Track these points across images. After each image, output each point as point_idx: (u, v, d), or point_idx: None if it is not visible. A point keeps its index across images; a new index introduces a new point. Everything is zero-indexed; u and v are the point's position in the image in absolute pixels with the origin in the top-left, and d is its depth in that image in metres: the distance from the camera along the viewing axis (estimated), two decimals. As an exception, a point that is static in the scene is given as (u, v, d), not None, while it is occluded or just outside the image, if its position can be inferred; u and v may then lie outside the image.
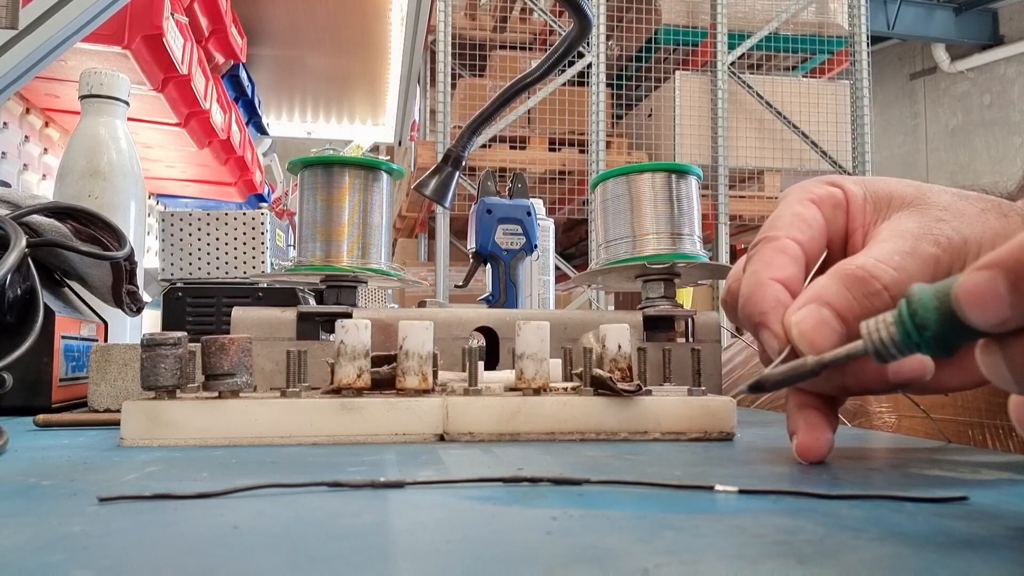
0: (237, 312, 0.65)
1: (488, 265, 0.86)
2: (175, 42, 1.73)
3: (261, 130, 3.52)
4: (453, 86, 3.40)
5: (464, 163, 0.78)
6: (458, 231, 3.31)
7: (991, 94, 7.17)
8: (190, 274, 1.11)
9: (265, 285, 0.97)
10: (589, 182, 3.05)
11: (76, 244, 0.66)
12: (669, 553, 0.20)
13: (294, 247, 0.81)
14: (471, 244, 0.87)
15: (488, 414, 0.42)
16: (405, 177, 2.07)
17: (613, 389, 0.42)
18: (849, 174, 3.49)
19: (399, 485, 0.28)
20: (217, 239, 1.12)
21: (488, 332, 0.68)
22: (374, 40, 3.43)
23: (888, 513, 0.24)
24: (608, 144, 3.40)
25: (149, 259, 1.90)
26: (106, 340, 0.75)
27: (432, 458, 0.36)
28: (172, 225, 1.11)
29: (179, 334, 0.41)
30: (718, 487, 0.28)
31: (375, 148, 4.53)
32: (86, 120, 1.06)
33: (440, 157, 0.80)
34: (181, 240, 1.11)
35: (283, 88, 3.90)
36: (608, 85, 3.50)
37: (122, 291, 0.70)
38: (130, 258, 0.70)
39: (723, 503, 0.26)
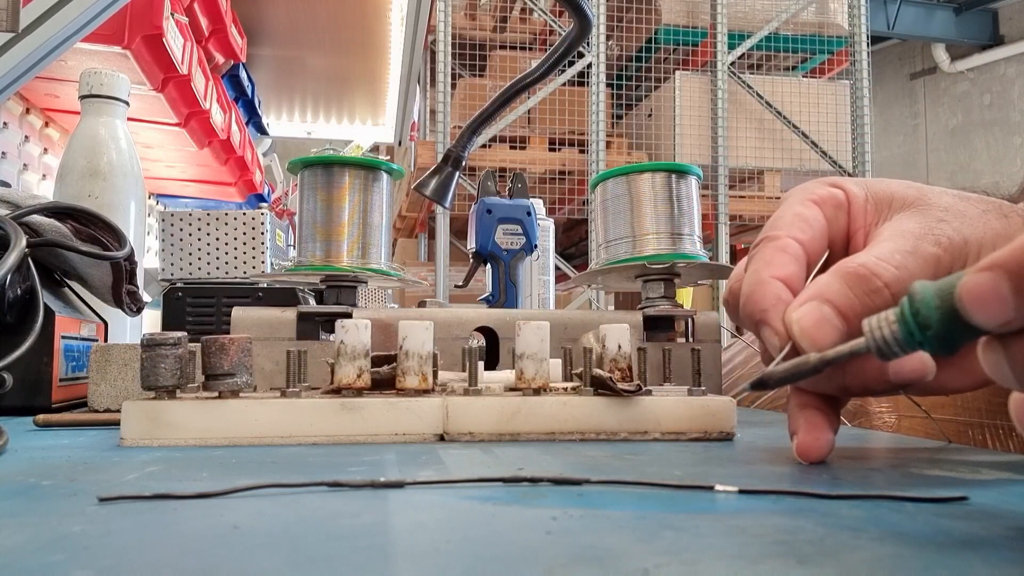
0: (237, 312, 0.65)
1: (488, 265, 0.86)
2: (175, 42, 1.73)
3: (261, 130, 3.52)
4: (453, 86, 3.40)
5: (464, 163, 0.78)
6: (458, 231, 3.31)
7: (991, 94, 7.17)
8: (190, 274, 1.11)
9: (265, 285, 0.97)
10: (589, 182, 3.05)
11: (76, 244, 0.66)
12: (669, 553, 0.20)
13: (294, 247, 0.81)
14: (471, 244, 0.87)
15: (488, 414, 0.42)
16: (405, 177, 2.07)
17: (613, 389, 0.42)
18: (849, 174, 3.49)
19: (399, 485, 0.28)
20: (217, 239, 1.12)
21: (488, 332, 0.68)
22: (374, 40, 3.43)
23: (888, 513, 0.24)
24: (608, 144, 3.40)
25: (149, 259, 1.90)
26: (106, 340, 0.75)
27: (432, 458, 0.36)
28: (172, 225, 1.11)
29: (179, 334, 0.41)
30: (718, 487, 0.28)
31: (375, 148, 4.53)
32: (86, 120, 1.06)
33: (440, 157, 0.80)
34: (181, 240, 1.11)
35: (283, 88, 3.89)
36: (608, 85, 3.50)
37: (122, 291, 0.70)
38: (130, 258, 0.70)
39: (723, 503, 0.26)
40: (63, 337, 0.62)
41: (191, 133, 2.18)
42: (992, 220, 0.37)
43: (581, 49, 3.28)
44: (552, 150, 3.47)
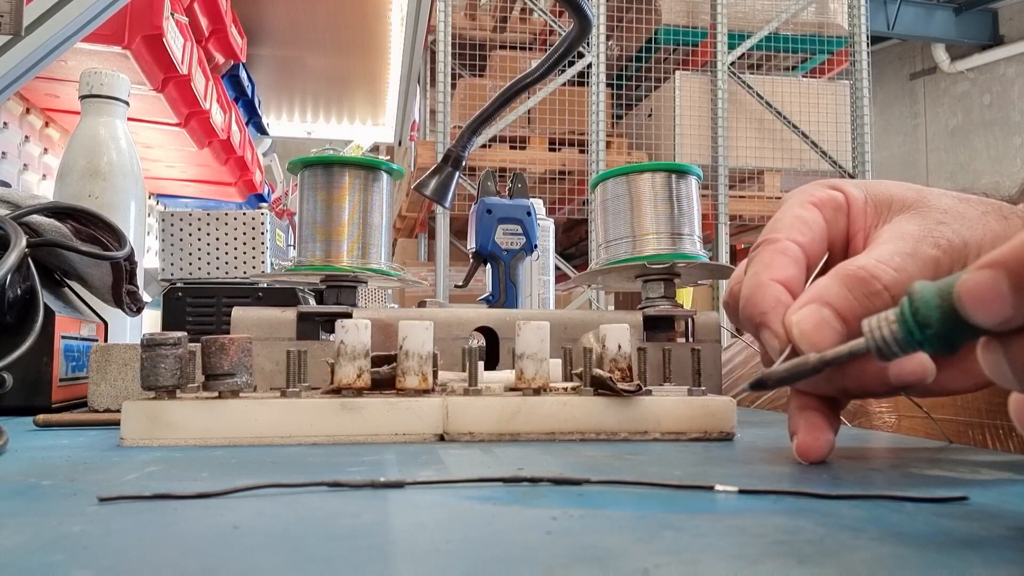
0: (237, 312, 0.65)
1: (488, 265, 0.86)
2: (175, 42, 1.74)
3: (261, 130, 3.52)
4: (453, 86, 3.40)
5: (464, 163, 0.78)
6: (458, 231, 3.31)
7: (991, 94, 7.17)
8: (190, 274, 1.11)
9: (265, 285, 0.97)
10: (589, 182, 3.05)
11: (76, 244, 0.66)
12: (669, 553, 0.20)
13: (294, 247, 0.81)
14: (471, 244, 0.87)
15: (488, 414, 0.42)
16: (405, 177, 2.07)
17: (613, 389, 0.42)
18: (849, 174, 3.49)
19: (399, 485, 0.28)
20: (217, 239, 1.12)
21: (488, 332, 0.68)
22: (374, 40, 3.43)
23: (888, 513, 0.24)
24: (608, 144, 3.40)
25: (149, 259, 1.90)
26: (106, 340, 0.75)
27: (432, 458, 0.36)
28: (172, 225, 1.11)
29: (179, 334, 0.41)
30: (718, 487, 0.28)
31: (375, 148, 4.53)
32: (86, 120, 1.06)
33: (440, 157, 0.80)
34: (181, 240, 1.11)
35: (283, 88, 3.90)
36: (608, 85, 3.50)
37: (122, 291, 0.70)
38: (130, 258, 0.70)
39: (723, 503, 0.26)
40: (63, 337, 0.62)
41: (191, 133, 2.18)
42: (991, 222, 0.37)
43: (581, 49, 3.28)
44: (552, 150, 3.47)
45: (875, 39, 4.89)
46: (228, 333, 0.49)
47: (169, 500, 0.26)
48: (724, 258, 3.32)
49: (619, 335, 0.44)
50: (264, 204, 3.30)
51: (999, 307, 0.22)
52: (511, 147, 3.41)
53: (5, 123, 1.78)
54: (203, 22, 2.24)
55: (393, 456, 0.37)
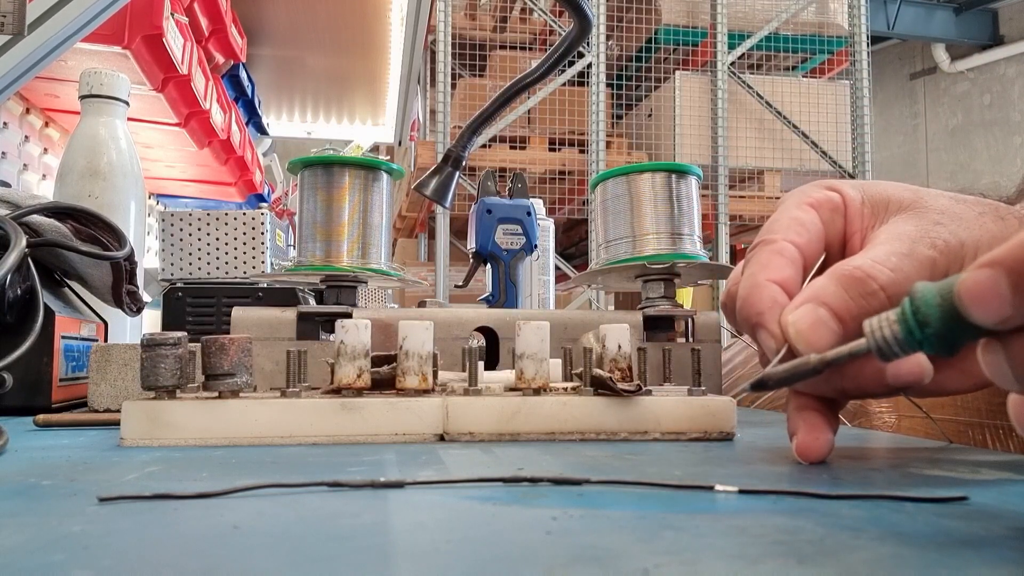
0: (237, 312, 0.65)
1: (488, 265, 0.86)
2: (175, 42, 1.74)
3: (261, 130, 3.52)
4: (453, 86, 3.40)
5: (464, 163, 0.78)
6: (458, 231, 3.31)
7: (991, 94, 7.17)
8: (190, 274, 1.11)
9: (265, 285, 0.97)
10: (589, 182, 3.05)
11: (76, 244, 0.66)
12: (669, 553, 0.20)
13: (294, 247, 0.81)
14: (471, 244, 0.87)
15: (488, 414, 0.42)
16: (405, 177, 2.07)
17: (613, 389, 0.42)
18: (849, 174, 3.49)
19: (399, 485, 0.28)
20: (217, 239, 1.12)
21: (488, 332, 0.68)
22: (374, 40, 3.43)
23: (888, 513, 0.24)
24: (608, 144, 3.39)
25: (149, 259, 1.90)
26: (106, 340, 0.75)
27: (432, 458, 0.36)
28: (172, 225, 1.11)
29: (179, 334, 0.41)
30: (718, 487, 0.28)
31: (375, 148, 4.53)
32: (86, 120, 1.06)
33: (440, 157, 0.80)
34: (181, 240, 1.11)
35: (283, 88, 3.90)
36: (608, 85, 3.50)
37: (122, 291, 0.70)
38: (130, 258, 0.70)
39: (723, 503, 0.26)
40: (63, 337, 0.62)
41: (191, 133, 2.18)
42: (988, 222, 0.37)
43: (581, 49, 3.28)
44: (552, 150, 3.47)
45: (875, 39, 4.89)
46: (228, 333, 0.49)
47: (169, 500, 0.26)
48: (724, 258, 3.32)
49: (619, 335, 0.44)
50: (264, 204, 3.30)
51: (998, 306, 0.22)
52: (511, 147, 3.41)
53: (5, 123, 1.78)
54: (203, 22, 2.24)
55: (393, 456, 0.37)
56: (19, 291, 0.58)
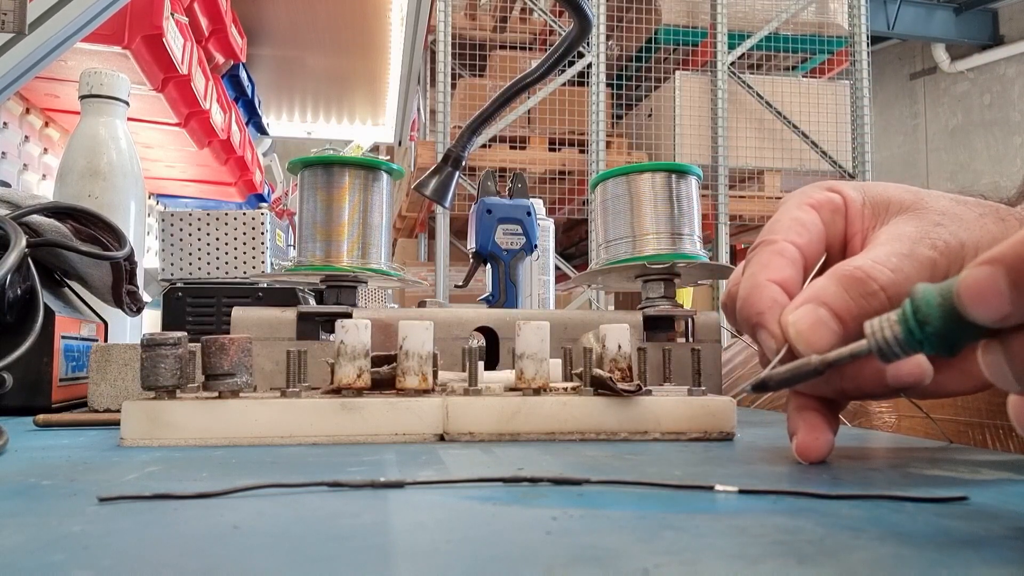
0: (237, 312, 0.65)
1: (488, 265, 0.86)
2: (175, 42, 1.73)
3: (261, 130, 3.52)
4: (453, 86, 3.40)
5: (464, 163, 0.78)
6: (458, 231, 3.31)
7: (991, 94, 7.17)
8: (190, 274, 1.11)
9: (265, 285, 0.97)
10: (589, 182, 3.05)
11: (76, 244, 0.66)
12: (669, 553, 0.20)
13: (294, 247, 0.81)
14: (471, 244, 0.87)
15: (488, 414, 0.42)
16: (405, 177, 2.07)
17: (613, 389, 0.42)
18: (849, 174, 3.49)
19: (399, 485, 0.28)
20: (217, 239, 1.12)
21: (488, 332, 0.68)
22: (374, 40, 3.43)
23: (888, 513, 0.24)
24: (608, 144, 3.39)
25: (149, 259, 1.90)
26: (106, 340, 0.75)
27: (432, 458, 0.36)
28: (172, 225, 1.11)
29: (179, 334, 0.41)
30: (718, 487, 0.28)
31: (375, 148, 4.53)
32: (86, 120, 1.06)
33: (440, 157, 0.80)
34: (181, 240, 1.11)
35: (283, 88, 3.90)
36: (608, 85, 3.50)
37: (122, 291, 0.70)
38: (130, 258, 0.70)
39: (723, 503, 0.26)
40: (63, 337, 0.62)
41: (191, 133, 2.18)
42: (989, 223, 0.37)
43: (581, 49, 3.28)
44: (552, 150, 3.46)
45: (875, 39, 4.89)
46: (228, 333, 0.49)
47: (169, 500, 0.26)
48: (724, 258, 3.32)
49: (619, 335, 0.44)
50: (264, 204, 3.30)
51: (997, 304, 0.22)
52: (511, 147, 3.41)
53: (5, 123, 1.78)
54: (203, 22, 2.24)
55: (393, 456, 0.37)
56: (19, 291, 0.58)
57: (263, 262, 1.12)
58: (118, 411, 0.41)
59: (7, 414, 0.57)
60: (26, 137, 1.88)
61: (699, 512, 0.25)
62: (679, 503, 0.26)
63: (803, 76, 3.83)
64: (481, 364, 0.49)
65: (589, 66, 3.35)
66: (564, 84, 3.37)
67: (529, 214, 0.85)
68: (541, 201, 1.06)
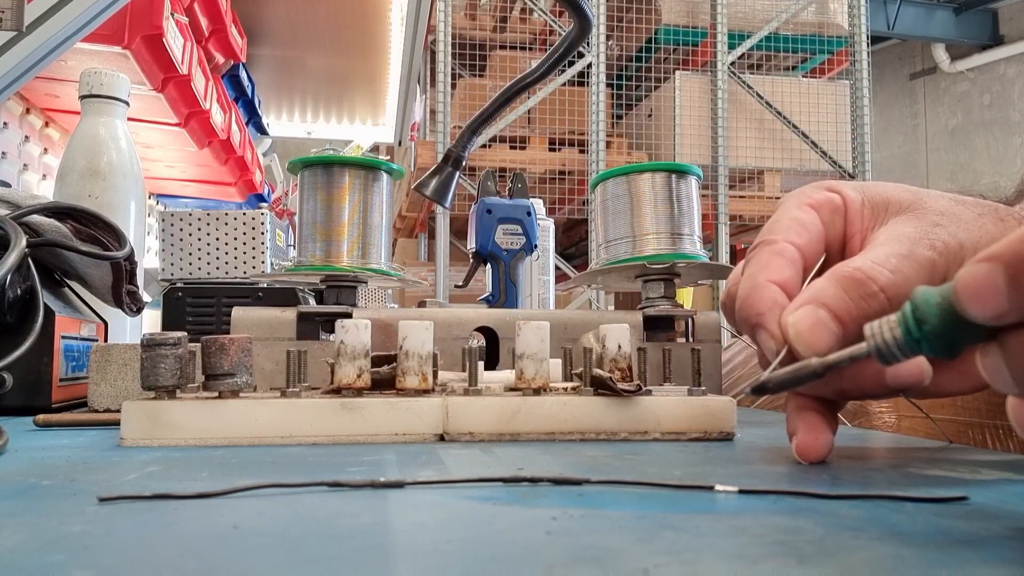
0: (237, 312, 0.65)
1: (488, 265, 0.86)
2: (175, 42, 1.74)
3: (261, 130, 3.52)
4: (453, 86, 3.40)
5: (464, 163, 0.78)
6: (458, 231, 3.31)
7: (991, 94, 7.17)
8: (190, 274, 1.11)
9: (265, 285, 0.97)
10: (589, 182, 3.05)
11: (76, 244, 0.66)
12: (669, 553, 0.20)
13: (294, 247, 0.81)
14: (471, 244, 0.87)
15: (488, 414, 0.42)
16: (405, 177, 2.07)
17: (613, 389, 0.42)
18: (849, 174, 3.49)
19: (399, 485, 0.28)
20: (217, 239, 1.12)
21: (488, 332, 0.68)
22: (374, 40, 3.43)
23: (888, 513, 0.24)
24: (608, 144, 3.39)
25: (149, 259, 1.90)
26: (106, 340, 0.75)
27: (432, 458, 0.36)
28: (172, 225, 1.11)
29: (179, 334, 0.41)
30: (718, 487, 0.28)
31: (375, 148, 4.54)
32: (86, 120, 1.06)
33: (440, 157, 0.80)
34: (181, 240, 1.11)
35: (283, 88, 3.90)
36: (608, 85, 3.50)
37: (122, 291, 0.70)
38: (130, 258, 0.70)
39: (723, 503, 0.26)
40: (63, 337, 0.62)
41: (191, 133, 2.18)
42: (988, 224, 0.37)
43: (581, 49, 3.27)
44: (552, 150, 3.46)
45: (875, 39, 4.89)
46: (228, 333, 0.49)
47: (169, 500, 0.26)
48: (724, 258, 3.32)
49: (619, 335, 0.44)
50: (264, 204, 3.30)
51: (995, 301, 0.22)
52: (511, 147, 3.41)
53: (5, 123, 1.78)
54: (203, 22, 2.24)
55: (393, 456, 0.37)
56: (19, 291, 0.58)
57: (263, 262, 1.12)
58: (118, 411, 0.41)
59: (7, 414, 0.57)
60: (26, 137, 1.88)
61: (699, 512, 0.25)
62: (679, 503, 0.26)
63: (803, 76, 3.83)
64: (481, 364, 0.49)
65: (589, 66, 3.35)
66: (564, 84, 3.37)
67: (529, 214, 0.85)
68: (541, 201, 1.06)
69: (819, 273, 0.37)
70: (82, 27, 0.94)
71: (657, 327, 0.72)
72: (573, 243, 4.30)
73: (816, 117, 3.55)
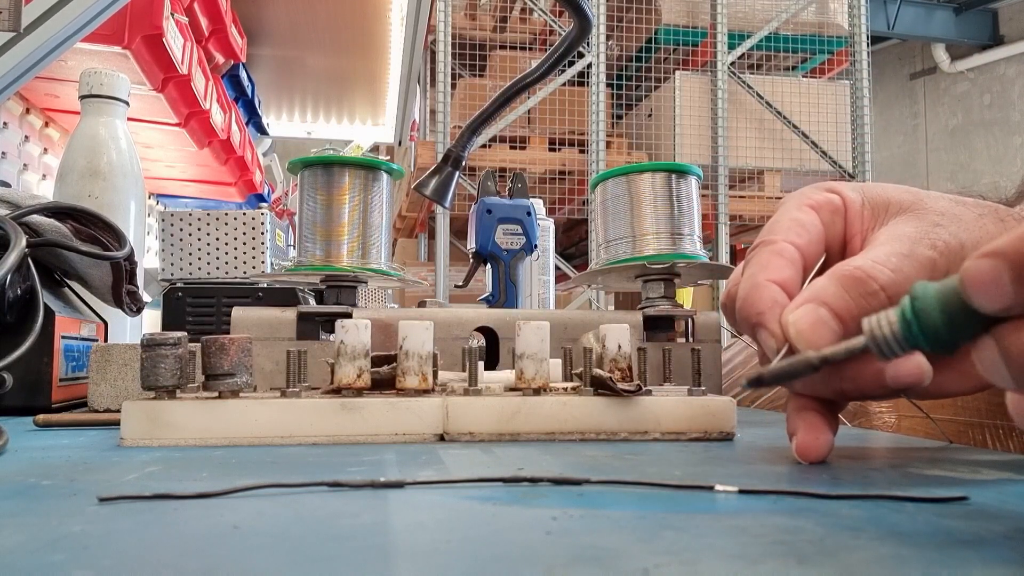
0: (237, 312, 0.65)
1: (488, 265, 0.86)
2: (175, 42, 1.74)
3: (261, 130, 3.52)
4: (453, 86, 3.40)
5: (464, 163, 0.78)
6: (458, 231, 3.31)
7: (991, 94, 7.17)
8: (190, 274, 1.11)
9: (265, 285, 0.97)
10: (589, 182, 3.05)
11: (76, 244, 0.66)
12: (669, 553, 0.20)
13: (294, 247, 0.81)
14: (471, 244, 0.87)
15: (488, 414, 0.42)
16: (405, 177, 2.07)
17: (613, 389, 0.42)
18: (849, 174, 3.49)
19: (399, 485, 0.28)
20: (217, 239, 1.12)
21: (488, 332, 0.68)
22: (374, 40, 3.43)
23: (888, 513, 0.24)
24: (608, 144, 3.39)
25: (149, 259, 1.90)
26: (106, 340, 0.75)
27: (432, 458, 0.36)
28: (172, 225, 1.11)
29: (179, 334, 0.41)
30: (718, 487, 0.28)
31: (375, 148, 4.54)
32: (86, 120, 1.06)
33: (440, 157, 0.80)
34: (181, 240, 1.11)
35: (283, 88, 3.90)
36: (608, 85, 3.50)
37: (122, 291, 0.70)
38: (130, 258, 0.70)
39: (723, 503, 0.26)
40: (63, 337, 0.62)
41: (191, 133, 2.18)
42: (988, 224, 0.37)
43: (581, 49, 3.27)
44: (552, 150, 3.46)
45: (875, 39, 4.89)
46: (228, 333, 0.49)
47: (169, 500, 0.26)
48: (724, 258, 3.32)
49: (619, 335, 0.44)
50: (264, 204, 3.30)
51: (1000, 294, 0.23)
52: (511, 147, 3.41)
53: (5, 123, 1.78)
54: (203, 22, 2.24)
55: (393, 456, 0.37)
56: (19, 291, 0.58)
57: (263, 262, 1.12)
58: (118, 411, 0.41)
59: (7, 414, 0.57)
60: (26, 137, 1.88)
61: (699, 512, 0.25)
62: (679, 503, 0.26)
63: (803, 76, 3.83)
64: (481, 364, 0.49)
65: (589, 66, 3.35)
66: (564, 84, 3.37)
67: (529, 214, 0.86)
68: (541, 201, 1.06)
69: (819, 274, 0.37)
70: (82, 27, 0.94)
71: (657, 327, 0.72)
72: (573, 243, 4.30)
73: (816, 117, 3.55)
